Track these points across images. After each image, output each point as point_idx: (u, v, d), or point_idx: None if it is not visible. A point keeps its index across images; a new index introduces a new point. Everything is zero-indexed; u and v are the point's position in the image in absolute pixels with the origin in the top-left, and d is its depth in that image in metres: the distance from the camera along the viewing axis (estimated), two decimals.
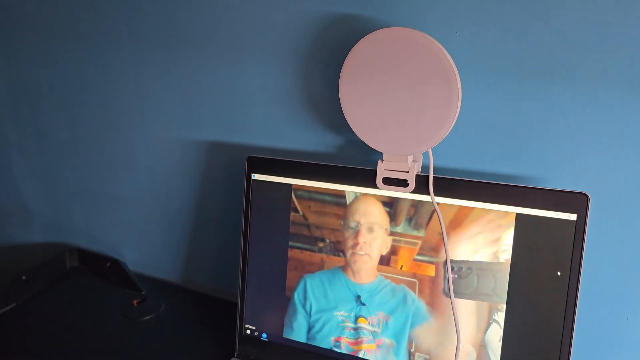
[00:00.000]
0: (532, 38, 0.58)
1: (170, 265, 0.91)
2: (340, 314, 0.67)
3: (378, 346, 0.66)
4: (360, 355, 0.66)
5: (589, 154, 0.59)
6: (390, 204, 0.63)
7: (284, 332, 0.70)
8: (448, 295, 0.61)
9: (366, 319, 0.66)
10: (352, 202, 0.65)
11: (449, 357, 0.62)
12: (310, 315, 0.68)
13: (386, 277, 0.64)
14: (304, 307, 0.68)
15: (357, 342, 0.67)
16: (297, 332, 0.69)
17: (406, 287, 0.63)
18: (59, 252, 0.97)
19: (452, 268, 0.61)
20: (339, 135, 0.71)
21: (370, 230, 0.65)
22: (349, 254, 0.66)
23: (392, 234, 0.64)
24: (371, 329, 0.66)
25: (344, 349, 0.67)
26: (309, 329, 0.68)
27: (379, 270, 0.65)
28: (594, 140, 0.59)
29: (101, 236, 0.97)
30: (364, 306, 0.66)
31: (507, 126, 0.62)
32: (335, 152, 0.72)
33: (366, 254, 0.65)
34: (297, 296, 0.69)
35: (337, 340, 0.67)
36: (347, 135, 0.70)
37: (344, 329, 0.67)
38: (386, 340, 0.65)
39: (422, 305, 0.63)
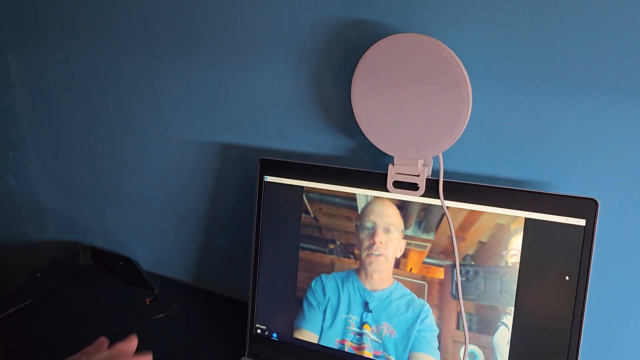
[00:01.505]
0: (543, 43, 0.59)
1: (183, 265, 0.92)
2: (348, 317, 0.68)
3: (376, 357, 0.67)
4: None
5: (598, 159, 0.60)
6: (401, 207, 0.64)
7: (294, 332, 0.71)
8: (456, 297, 0.61)
9: (370, 327, 0.67)
10: (368, 204, 0.66)
11: None
12: (321, 316, 0.69)
13: (400, 281, 0.65)
14: (315, 307, 0.69)
15: (360, 347, 0.67)
16: (307, 333, 0.70)
17: (427, 306, 0.64)
18: (73, 250, 0.99)
19: (460, 272, 0.62)
20: (350, 138, 0.72)
21: (387, 231, 0.65)
22: (364, 255, 0.67)
23: (405, 237, 0.64)
24: (373, 337, 0.67)
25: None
26: (319, 330, 0.69)
27: (394, 274, 0.65)
28: (604, 145, 0.59)
29: (115, 235, 0.98)
30: (370, 313, 0.67)
31: (517, 131, 0.62)
32: (347, 155, 0.73)
33: (382, 254, 0.66)
34: (310, 296, 0.70)
35: (342, 343, 0.68)
36: (358, 139, 0.71)
37: (349, 332, 0.68)
38: (385, 354, 0.66)
39: (432, 330, 0.64)
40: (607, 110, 0.58)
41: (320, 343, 0.69)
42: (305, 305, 0.70)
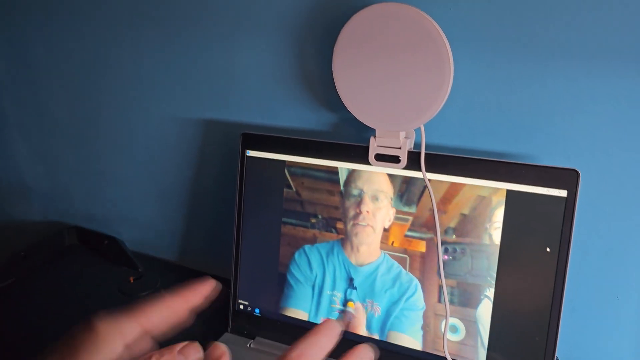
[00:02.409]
0: (526, 16, 0.58)
1: (167, 243, 0.92)
2: (333, 294, 0.67)
3: (358, 335, 0.66)
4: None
5: (580, 130, 0.59)
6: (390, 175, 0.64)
7: (276, 307, 0.70)
8: (438, 271, 0.61)
9: (354, 304, 0.66)
10: (354, 170, 0.65)
11: None
12: (310, 291, 0.69)
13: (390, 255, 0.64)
14: (298, 281, 0.69)
15: (345, 325, 0.67)
16: (290, 308, 0.70)
17: (415, 281, 0.63)
18: (57, 230, 0.98)
19: (447, 249, 0.61)
20: (333, 112, 0.71)
21: (375, 199, 0.64)
22: (349, 225, 0.66)
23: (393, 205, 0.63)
24: (357, 315, 0.66)
25: None
26: (308, 307, 0.69)
27: (382, 248, 0.65)
28: (586, 117, 0.59)
29: (99, 215, 0.98)
30: (355, 290, 0.66)
31: (499, 103, 0.62)
32: (330, 129, 0.72)
33: (369, 225, 0.65)
34: (295, 270, 0.69)
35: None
36: (341, 113, 0.70)
37: (334, 310, 0.67)
38: (367, 332, 0.66)
39: (417, 309, 0.63)
40: (589, 82, 0.58)
41: (310, 320, 0.69)
42: (288, 279, 0.69)
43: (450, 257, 0.61)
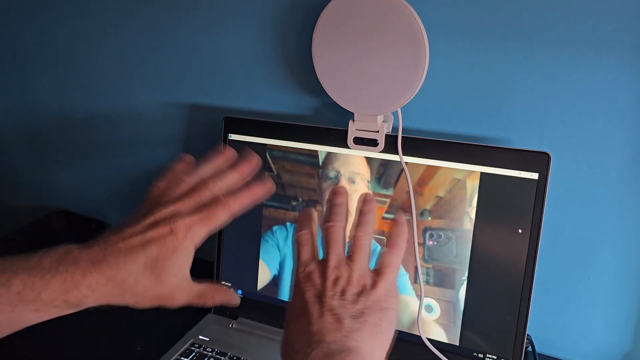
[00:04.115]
0: (502, 2, 0.59)
1: None
2: None
3: None
4: None
5: (554, 115, 0.61)
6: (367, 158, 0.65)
7: (257, 288, 0.72)
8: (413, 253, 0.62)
9: None
10: (331, 152, 0.65)
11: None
12: (279, 269, 0.70)
13: None
14: (273, 245, 0.70)
15: None
16: (270, 288, 0.71)
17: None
18: (45, 214, 0.99)
19: (432, 235, 0.63)
20: (314, 96, 0.72)
21: (352, 181, 0.65)
22: (326, 207, 0.66)
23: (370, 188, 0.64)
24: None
25: None
26: (279, 286, 0.70)
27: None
28: (559, 101, 0.60)
29: (87, 198, 0.99)
30: None
31: (475, 88, 0.63)
32: (311, 114, 0.73)
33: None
34: (269, 237, 0.70)
35: None
36: (322, 97, 0.71)
37: None
38: None
39: (401, 275, 0.64)
40: (563, 68, 0.59)
41: (283, 299, 0.70)
42: (262, 244, 0.71)
43: (435, 243, 0.62)
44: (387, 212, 0.64)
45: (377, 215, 0.64)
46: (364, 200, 0.49)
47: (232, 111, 0.78)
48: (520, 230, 0.58)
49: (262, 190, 0.50)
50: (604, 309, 0.65)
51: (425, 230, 0.62)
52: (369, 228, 0.47)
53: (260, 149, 0.69)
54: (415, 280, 0.63)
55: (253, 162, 0.52)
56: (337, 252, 0.45)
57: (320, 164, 0.66)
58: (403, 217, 0.49)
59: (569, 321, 0.66)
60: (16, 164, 1.04)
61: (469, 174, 0.60)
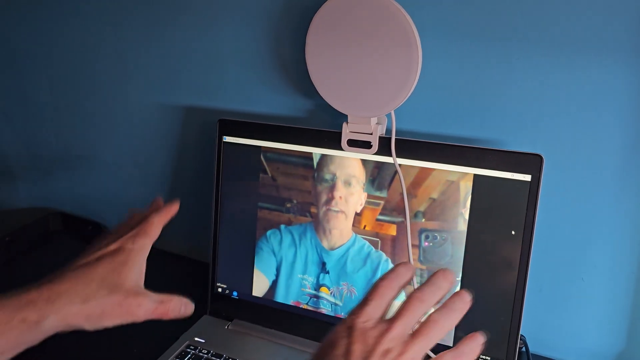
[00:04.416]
0: (495, 5, 0.59)
1: None
2: (304, 278, 0.69)
3: (338, 319, 0.67)
4: None
5: (547, 116, 0.61)
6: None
7: (252, 290, 0.72)
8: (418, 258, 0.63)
9: (329, 289, 0.68)
10: (326, 155, 0.66)
11: None
12: (276, 274, 0.70)
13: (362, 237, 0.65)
14: (269, 252, 0.70)
15: (316, 311, 0.69)
16: (265, 290, 0.71)
17: (383, 255, 0.65)
18: (42, 215, 0.99)
19: (427, 237, 0.63)
20: (308, 98, 0.72)
21: (348, 184, 0.65)
22: (322, 211, 0.67)
23: (365, 190, 0.64)
24: (332, 300, 0.68)
25: None
26: (275, 288, 0.71)
27: (354, 231, 0.66)
28: (552, 103, 0.60)
29: (83, 200, 0.99)
30: (327, 274, 0.67)
31: (468, 89, 0.63)
32: (306, 115, 0.73)
33: (341, 211, 0.66)
34: (263, 243, 0.70)
35: (296, 305, 0.69)
36: (316, 99, 0.71)
37: (304, 294, 0.69)
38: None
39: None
40: (555, 70, 0.59)
41: (279, 301, 0.71)
42: (257, 252, 0.71)
43: (431, 244, 0.62)
44: (381, 214, 0.64)
45: (371, 216, 0.64)
46: (462, 296, 0.44)
47: (227, 113, 0.78)
48: (513, 232, 0.58)
49: (171, 207, 0.58)
50: (597, 309, 0.65)
51: (420, 232, 0.63)
52: (449, 324, 0.42)
53: (254, 151, 0.69)
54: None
55: (174, 204, 0.59)
56: (406, 325, 0.41)
57: (315, 166, 0.67)
58: (479, 336, 0.44)
59: (563, 321, 0.67)
60: (13, 165, 1.04)
61: (462, 176, 0.60)
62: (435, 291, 0.43)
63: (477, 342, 0.43)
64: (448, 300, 0.43)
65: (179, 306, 0.51)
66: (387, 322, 0.41)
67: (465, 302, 0.43)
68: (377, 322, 0.41)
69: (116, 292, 0.47)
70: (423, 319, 0.42)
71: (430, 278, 0.43)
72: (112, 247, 0.50)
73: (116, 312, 0.47)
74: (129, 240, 0.51)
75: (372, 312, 0.42)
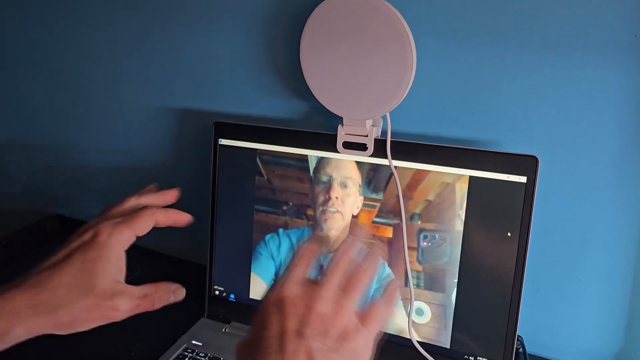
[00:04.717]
0: (489, 6, 0.59)
1: None
2: None
3: None
4: None
5: (542, 117, 0.61)
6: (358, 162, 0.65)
7: (250, 292, 0.72)
8: (418, 261, 0.63)
9: None
10: (323, 157, 0.66)
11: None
12: (274, 277, 0.70)
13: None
14: (267, 256, 0.70)
15: None
16: (262, 293, 0.71)
17: (381, 259, 0.64)
18: (39, 218, 0.99)
19: (426, 237, 0.63)
20: (303, 100, 0.72)
21: (344, 185, 0.65)
22: (319, 211, 0.67)
23: (361, 193, 0.64)
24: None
25: None
26: (270, 278, 0.70)
27: (350, 233, 0.66)
28: (548, 103, 0.60)
29: (81, 203, 0.99)
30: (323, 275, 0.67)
31: (463, 91, 0.63)
32: (301, 117, 0.73)
33: (338, 211, 0.66)
34: (261, 248, 0.70)
35: None
36: (311, 101, 0.71)
37: None
38: None
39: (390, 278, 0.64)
40: (550, 68, 0.59)
41: None
42: (255, 256, 0.71)
43: (429, 244, 0.62)
44: (377, 216, 0.64)
45: (367, 219, 0.64)
46: (374, 246, 0.47)
47: (222, 115, 0.78)
48: (509, 234, 0.58)
49: (183, 216, 0.53)
50: (594, 309, 0.65)
51: (419, 232, 0.62)
52: (374, 272, 0.43)
53: (250, 153, 0.69)
54: (405, 284, 0.63)
55: (174, 190, 0.55)
56: (336, 284, 0.41)
57: (312, 168, 0.66)
58: (397, 281, 0.47)
59: (560, 321, 0.67)
60: (9, 168, 1.04)
61: (458, 178, 0.60)
62: (356, 244, 0.44)
63: (396, 288, 0.45)
64: (370, 249, 0.44)
65: (167, 295, 0.47)
66: (318, 283, 0.41)
67: (381, 246, 0.47)
68: (304, 285, 0.40)
69: (88, 296, 0.42)
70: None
71: (354, 234, 0.47)
72: (87, 236, 0.45)
73: (90, 318, 0.43)
74: (106, 230, 0.45)
75: (299, 277, 0.41)
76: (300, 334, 0.37)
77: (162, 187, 0.87)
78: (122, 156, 0.90)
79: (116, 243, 0.45)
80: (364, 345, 0.39)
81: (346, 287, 0.41)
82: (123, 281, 0.45)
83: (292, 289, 0.40)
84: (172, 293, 0.48)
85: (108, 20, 0.82)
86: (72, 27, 0.86)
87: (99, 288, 0.43)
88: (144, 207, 0.49)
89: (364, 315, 0.41)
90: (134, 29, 0.80)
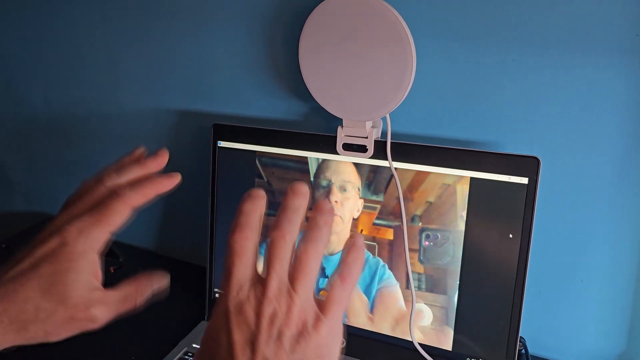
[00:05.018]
0: (489, 4, 0.58)
1: (146, 233, 0.92)
2: None
3: None
4: None
5: (543, 118, 0.60)
6: (357, 165, 0.64)
7: None
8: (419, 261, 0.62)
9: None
10: (324, 160, 0.65)
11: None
12: None
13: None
14: None
15: None
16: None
17: (381, 261, 0.64)
18: (39, 221, 0.99)
19: (428, 236, 0.62)
20: (303, 102, 0.72)
21: (343, 189, 0.65)
22: (278, 211, 0.66)
23: (361, 196, 0.64)
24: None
25: None
26: None
27: (351, 235, 0.65)
28: (548, 104, 0.60)
29: None
30: (327, 279, 0.67)
31: (464, 92, 0.62)
32: (300, 119, 0.73)
33: (337, 215, 0.66)
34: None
35: None
36: (310, 102, 0.71)
37: None
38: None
39: (392, 284, 0.64)
40: (551, 69, 0.58)
41: None
42: (258, 258, 0.70)
43: (431, 244, 0.62)
44: (377, 218, 0.64)
45: (368, 221, 0.64)
46: (319, 207, 0.37)
47: (221, 117, 0.77)
48: (511, 235, 0.58)
49: (166, 180, 0.45)
50: (597, 311, 0.64)
51: (421, 231, 0.62)
52: (321, 246, 0.35)
53: (249, 155, 0.69)
54: (406, 286, 0.63)
55: (160, 156, 0.48)
56: (280, 276, 0.35)
57: (311, 171, 0.66)
58: (361, 238, 0.37)
59: (562, 323, 0.66)
60: (8, 171, 1.04)
61: (459, 179, 0.60)
62: (291, 216, 0.37)
63: (357, 249, 0.36)
64: (309, 222, 0.37)
65: (148, 288, 0.43)
66: (261, 281, 0.35)
67: (327, 212, 0.37)
68: (250, 287, 0.35)
69: (60, 311, 0.39)
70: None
71: (281, 203, 0.37)
72: (53, 243, 0.39)
73: (64, 331, 0.39)
74: (73, 236, 0.39)
75: (240, 278, 0.35)
76: (251, 345, 0.33)
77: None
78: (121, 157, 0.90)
79: (88, 250, 0.40)
80: (329, 336, 0.35)
81: (292, 277, 0.35)
82: (100, 285, 0.41)
83: (237, 295, 0.35)
84: (155, 284, 0.43)
85: (105, 21, 0.82)
86: (70, 29, 0.86)
87: (71, 301, 0.39)
88: (115, 194, 0.42)
89: (321, 302, 0.35)
90: (132, 30, 0.80)
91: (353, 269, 0.36)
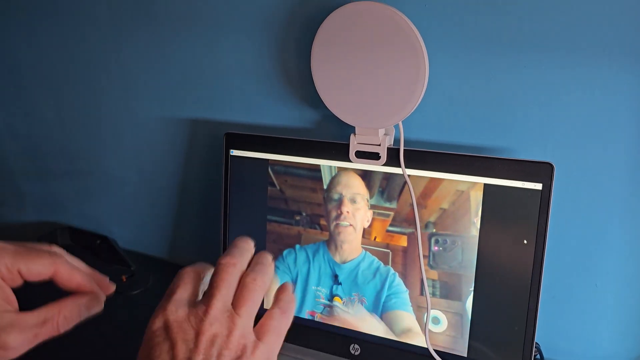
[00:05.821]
0: (501, 10, 0.59)
1: (158, 241, 0.93)
2: (317, 289, 0.69)
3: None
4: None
5: (556, 124, 0.60)
6: (364, 177, 0.65)
7: (264, 303, 0.72)
8: (430, 266, 0.62)
9: (341, 299, 0.68)
10: (334, 176, 0.66)
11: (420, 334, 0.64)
12: (288, 279, 0.70)
13: (366, 250, 0.66)
14: (282, 271, 0.70)
15: (331, 319, 0.69)
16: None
17: (391, 269, 0.65)
18: (50, 230, 0.99)
19: (437, 241, 0.62)
20: (315, 109, 0.72)
21: (353, 201, 0.66)
22: (332, 225, 0.67)
23: (371, 207, 0.65)
24: (345, 309, 0.68)
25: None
26: None
27: (363, 245, 0.66)
28: (561, 110, 0.60)
29: (91, 214, 0.99)
30: (340, 285, 0.68)
31: (476, 98, 0.63)
32: (312, 127, 0.73)
33: (350, 224, 0.66)
34: (279, 263, 0.70)
35: (311, 314, 0.69)
36: (322, 110, 0.71)
37: (319, 304, 0.69)
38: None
39: (402, 292, 0.65)
40: (564, 75, 0.58)
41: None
42: (277, 275, 0.70)
43: (441, 248, 0.62)
44: (391, 225, 0.64)
45: (381, 228, 0.64)
46: (262, 255, 0.41)
47: (233, 125, 0.78)
48: (525, 241, 0.58)
49: (101, 287, 0.45)
50: (612, 315, 0.64)
51: (430, 236, 0.62)
52: (267, 280, 0.39)
53: (262, 164, 0.69)
54: (421, 292, 0.63)
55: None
56: (224, 300, 0.36)
57: (324, 182, 0.66)
58: (288, 283, 0.42)
59: (577, 328, 0.66)
60: (20, 181, 1.04)
61: (473, 186, 0.60)
62: (242, 251, 0.40)
63: (286, 290, 0.41)
64: (258, 259, 0.40)
65: (76, 312, 0.41)
66: (203, 302, 0.36)
67: (269, 258, 0.41)
68: (190, 307, 0.36)
69: None
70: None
71: (232, 243, 0.41)
72: None
73: None
74: None
75: (180, 297, 0.37)
76: None
77: (172, 199, 0.88)
78: (133, 167, 0.90)
79: None
80: None
81: (236, 302, 0.37)
82: (15, 309, 0.39)
83: (177, 312, 0.36)
84: (84, 307, 0.41)
85: (118, 31, 0.82)
86: (82, 39, 0.86)
87: None
88: (49, 250, 0.42)
89: (259, 329, 0.37)
90: (144, 40, 0.81)
91: (287, 304, 0.40)
